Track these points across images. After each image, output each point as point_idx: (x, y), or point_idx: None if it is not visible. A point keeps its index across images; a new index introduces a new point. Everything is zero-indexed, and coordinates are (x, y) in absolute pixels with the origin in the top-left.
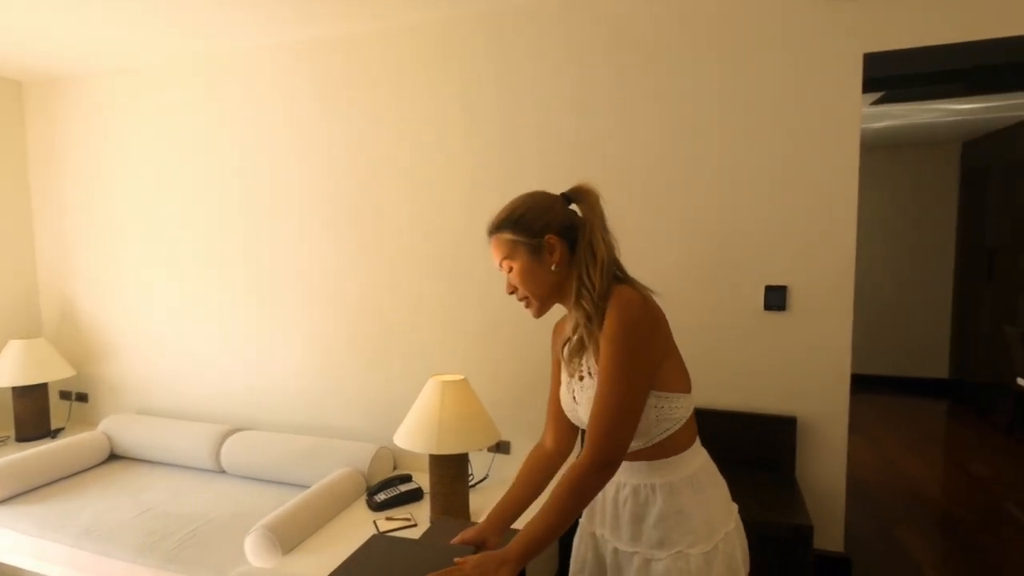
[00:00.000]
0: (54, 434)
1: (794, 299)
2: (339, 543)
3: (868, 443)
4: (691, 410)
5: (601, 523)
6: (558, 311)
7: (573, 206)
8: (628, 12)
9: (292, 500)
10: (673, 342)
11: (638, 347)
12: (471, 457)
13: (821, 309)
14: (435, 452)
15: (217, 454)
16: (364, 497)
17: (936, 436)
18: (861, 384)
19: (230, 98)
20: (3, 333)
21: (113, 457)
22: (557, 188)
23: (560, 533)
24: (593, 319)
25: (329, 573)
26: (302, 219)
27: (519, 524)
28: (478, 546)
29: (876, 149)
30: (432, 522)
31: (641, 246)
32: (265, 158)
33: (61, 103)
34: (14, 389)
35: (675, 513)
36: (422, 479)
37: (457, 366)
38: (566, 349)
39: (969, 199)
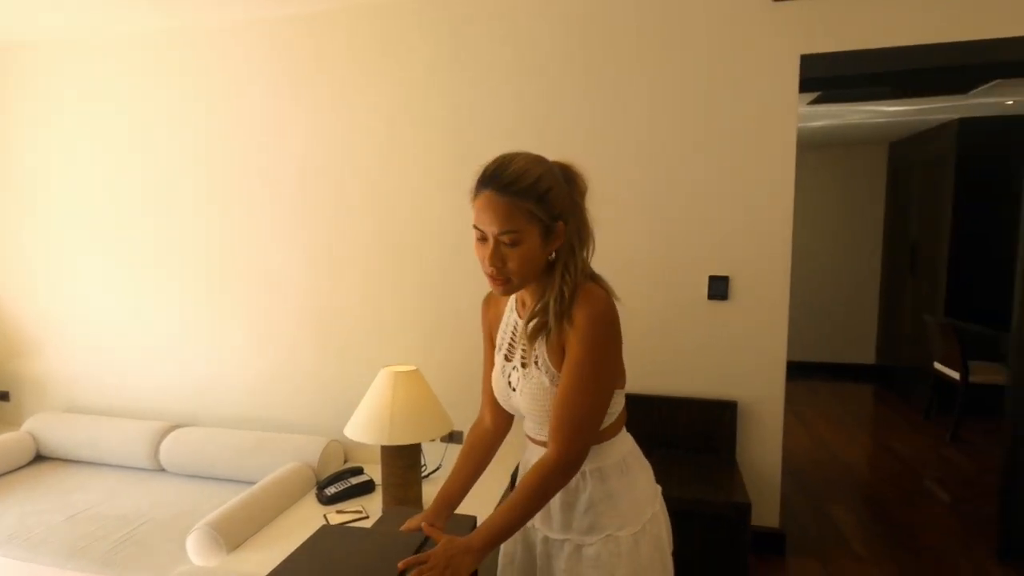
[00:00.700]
0: None
1: (735, 289)
2: (287, 539)
3: (802, 425)
4: (623, 402)
5: None
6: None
7: None
8: (575, 8)
9: (237, 496)
10: None
11: (610, 346)
12: (424, 447)
13: (760, 298)
14: (387, 443)
15: (156, 452)
16: (314, 491)
17: (863, 418)
18: (795, 370)
19: (172, 80)
20: None
21: (39, 458)
22: None
23: (521, 526)
24: (565, 305)
25: (275, 566)
26: (248, 207)
27: (469, 505)
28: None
29: (811, 147)
30: (384, 512)
31: None
32: (208, 144)
33: None
34: None
35: (605, 498)
36: (374, 471)
37: (409, 357)
38: (530, 325)
39: (895, 196)
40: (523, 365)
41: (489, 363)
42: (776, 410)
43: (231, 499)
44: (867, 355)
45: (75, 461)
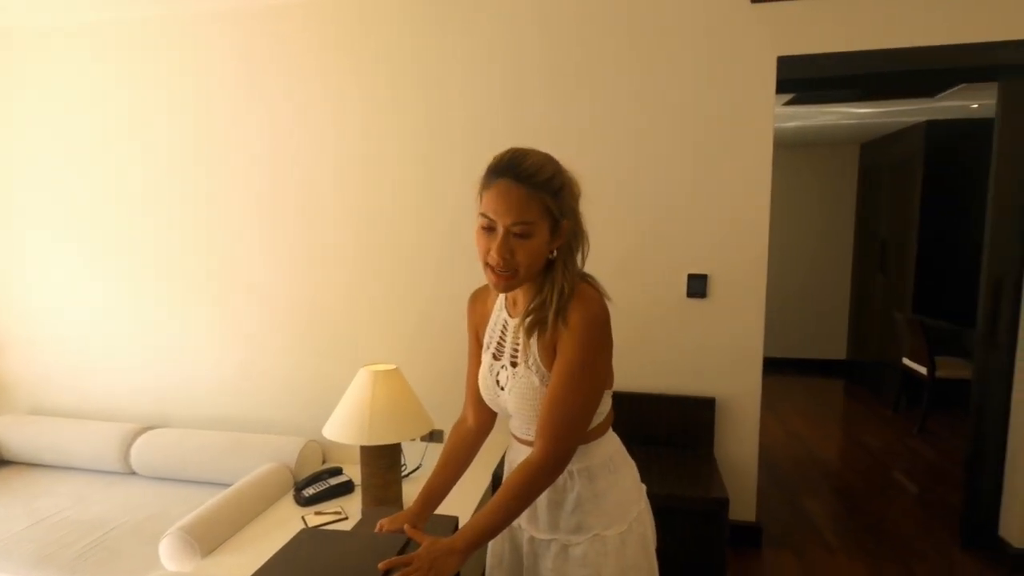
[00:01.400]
0: None
1: (714, 287)
2: (264, 541)
3: (776, 420)
4: (611, 402)
5: None
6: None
7: None
8: (554, 10)
9: (212, 499)
10: None
11: (603, 348)
12: (404, 447)
13: (738, 296)
14: (366, 443)
15: (126, 455)
16: (291, 493)
17: (835, 412)
18: (769, 366)
19: (137, 75)
20: None
21: (2, 463)
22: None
23: (506, 526)
24: (563, 303)
25: (254, 572)
26: (222, 204)
27: (449, 505)
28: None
29: (786, 147)
30: (364, 513)
31: None
32: (177, 138)
33: None
34: None
35: (592, 497)
36: (353, 472)
37: (389, 356)
38: (527, 320)
39: (865, 196)
40: (513, 364)
41: (474, 362)
42: (753, 406)
43: (206, 502)
44: (838, 351)
45: (41, 465)
